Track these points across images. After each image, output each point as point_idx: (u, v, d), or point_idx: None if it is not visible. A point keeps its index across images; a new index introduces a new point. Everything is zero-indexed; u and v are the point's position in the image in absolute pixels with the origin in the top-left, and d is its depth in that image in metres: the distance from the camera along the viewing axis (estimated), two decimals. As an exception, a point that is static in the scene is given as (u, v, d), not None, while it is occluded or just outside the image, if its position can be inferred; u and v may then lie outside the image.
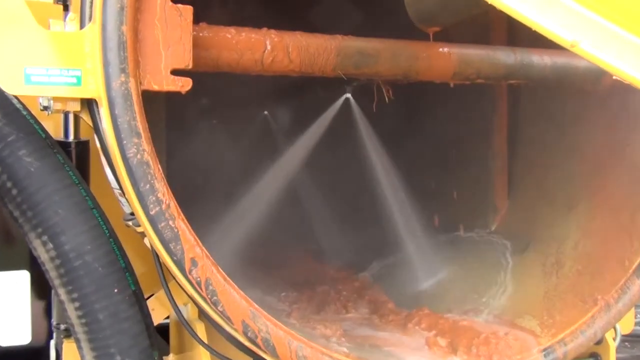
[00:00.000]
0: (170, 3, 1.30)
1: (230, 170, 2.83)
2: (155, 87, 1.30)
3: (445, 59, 1.75)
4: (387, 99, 1.91)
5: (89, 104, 1.37)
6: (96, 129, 1.41)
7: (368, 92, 1.98)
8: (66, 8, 1.75)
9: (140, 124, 1.25)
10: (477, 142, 2.44)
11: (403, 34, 1.78)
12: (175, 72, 1.31)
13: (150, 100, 1.33)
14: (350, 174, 2.70)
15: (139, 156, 1.26)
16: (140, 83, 1.28)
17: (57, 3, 1.75)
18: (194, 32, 1.39)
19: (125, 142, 1.25)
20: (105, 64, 1.24)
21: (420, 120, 2.78)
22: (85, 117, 1.39)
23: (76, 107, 1.35)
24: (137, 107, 1.25)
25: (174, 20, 1.31)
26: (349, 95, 2.24)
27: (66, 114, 1.86)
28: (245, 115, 3.18)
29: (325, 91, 2.36)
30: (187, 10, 1.32)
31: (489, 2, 1.16)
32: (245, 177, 2.37)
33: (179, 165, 2.30)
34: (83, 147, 1.85)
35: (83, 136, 1.89)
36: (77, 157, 1.82)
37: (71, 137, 1.86)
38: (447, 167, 2.63)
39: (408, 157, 2.54)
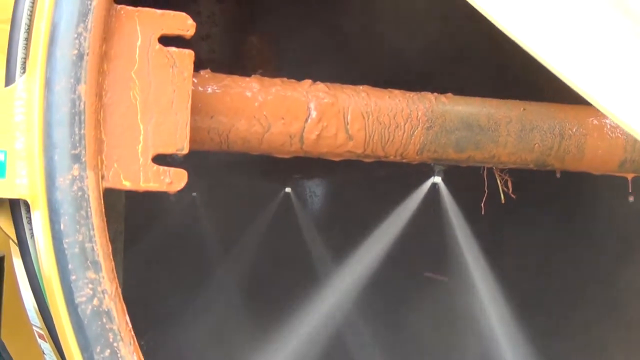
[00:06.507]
0: (158, 45, 1.32)
1: (228, 295, 2.84)
2: (127, 185, 1.31)
3: (609, 138, 1.75)
4: (502, 196, 1.91)
5: (13, 205, 1.39)
6: (22, 245, 1.42)
7: (471, 178, 1.98)
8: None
9: (101, 247, 1.25)
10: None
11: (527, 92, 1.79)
12: (160, 159, 1.33)
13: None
14: (436, 321, 2.69)
15: (95, 301, 1.25)
16: (103, 177, 1.28)
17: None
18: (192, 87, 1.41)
19: (73, 277, 1.24)
20: (48, 147, 1.24)
21: (562, 231, 2.78)
22: (5, 226, 1.41)
23: (-8, 209, 1.37)
24: (96, 219, 1.25)
25: (164, 74, 1.32)
26: (437, 179, 2.24)
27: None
28: (253, 190, 3.21)
29: (397, 170, 2.37)
30: (185, 57, 1.34)
31: None
32: (254, 307, 2.37)
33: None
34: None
35: (-4, 248, 1.91)
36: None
37: (-25, 252, 1.88)
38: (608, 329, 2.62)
39: (539, 303, 2.52)
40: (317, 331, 2.35)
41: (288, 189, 3.28)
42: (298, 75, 1.73)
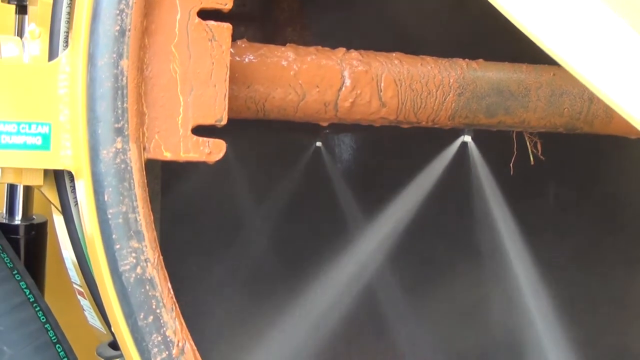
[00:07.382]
0: (197, 19, 1.35)
1: (259, 249, 2.88)
2: (168, 156, 1.35)
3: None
4: (531, 158, 1.93)
5: (57, 174, 1.44)
6: (65, 212, 1.47)
7: (500, 138, 2.01)
8: (23, 10, 1.80)
9: (143, 217, 1.29)
10: None
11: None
12: (200, 131, 1.37)
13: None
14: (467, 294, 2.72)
15: (139, 270, 1.29)
16: (144, 149, 1.32)
17: (9, 2, 1.80)
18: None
19: (117, 246, 1.29)
20: (92, 120, 1.28)
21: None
22: (50, 195, 1.46)
23: (37, 180, 1.41)
24: (139, 190, 1.29)
25: (202, 47, 1.36)
26: (467, 138, 2.26)
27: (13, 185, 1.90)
28: (284, 144, 3.22)
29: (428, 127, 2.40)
30: (223, 30, 1.38)
31: None
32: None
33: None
34: (38, 234, 1.89)
35: (38, 212, 1.94)
36: (27, 249, 1.85)
37: (18, 218, 1.90)
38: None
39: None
40: (348, 283, 2.38)
41: (319, 143, 3.27)
42: (327, 34, 1.75)
